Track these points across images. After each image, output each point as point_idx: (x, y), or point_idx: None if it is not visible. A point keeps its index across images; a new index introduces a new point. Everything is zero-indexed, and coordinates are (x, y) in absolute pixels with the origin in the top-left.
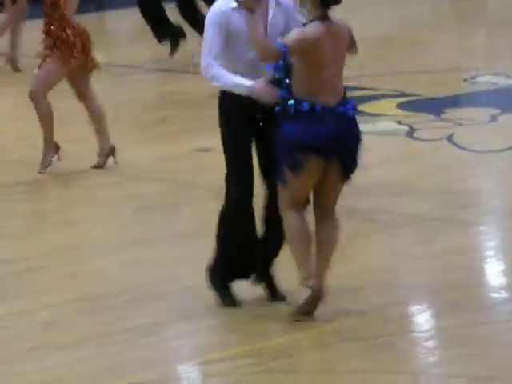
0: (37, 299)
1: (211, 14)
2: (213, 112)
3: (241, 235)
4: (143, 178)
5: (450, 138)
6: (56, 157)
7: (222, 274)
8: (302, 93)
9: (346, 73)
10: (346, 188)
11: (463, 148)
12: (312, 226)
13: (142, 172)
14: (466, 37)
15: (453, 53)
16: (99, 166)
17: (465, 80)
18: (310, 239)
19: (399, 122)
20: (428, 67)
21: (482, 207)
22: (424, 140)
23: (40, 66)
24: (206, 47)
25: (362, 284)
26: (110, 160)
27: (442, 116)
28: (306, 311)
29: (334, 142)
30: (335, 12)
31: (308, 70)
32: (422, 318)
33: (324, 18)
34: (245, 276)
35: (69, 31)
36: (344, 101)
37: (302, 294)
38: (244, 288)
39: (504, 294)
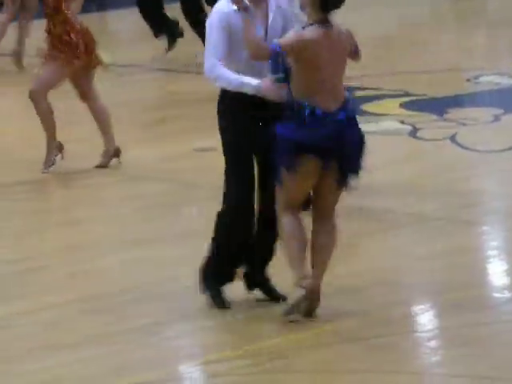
0: (38, 299)
1: (214, 16)
2: (214, 112)
3: (240, 236)
4: (144, 177)
5: (453, 138)
6: (60, 156)
7: (214, 275)
8: (300, 95)
9: (348, 73)
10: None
11: (466, 148)
12: (310, 228)
13: (143, 172)
14: (467, 37)
15: (453, 53)
16: (102, 165)
17: (468, 80)
18: (305, 241)
19: (402, 122)
20: (429, 67)
21: (484, 207)
22: (427, 140)
23: (42, 66)
24: (210, 48)
25: (365, 284)
26: (114, 160)
27: (445, 116)
28: (301, 311)
29: (332, 143)
30: (337, 12)
31: (305, 72)
32: (425, 318)
33: (324, 22)
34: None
35: (73, 35)
36: (345, 105)
37: (296, 295)
38: (243, 289)
39: (507, 294)
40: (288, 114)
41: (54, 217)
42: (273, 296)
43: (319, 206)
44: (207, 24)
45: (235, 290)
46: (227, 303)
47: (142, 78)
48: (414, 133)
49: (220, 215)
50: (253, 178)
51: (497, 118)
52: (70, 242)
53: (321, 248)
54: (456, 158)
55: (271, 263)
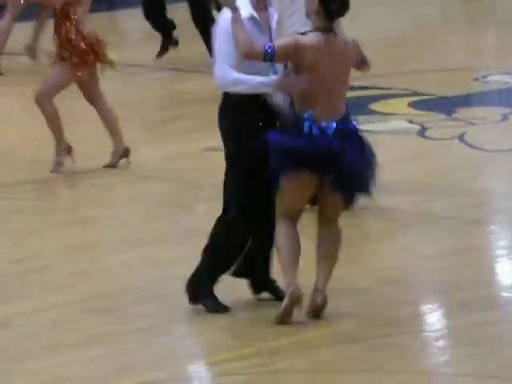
0: (39, 299)
1: (223, 23)
2: None
3: (242, 247)
4: (152, 177)
5: (461, 137)
6: (69, 158)
7: (210, 280)
8: (299, 103)
9: (358, 72)
10: None
11: (474, 147)
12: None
13: (152, 171)
14: (475, 37)
15: (462, 53)
16: (111, 165)
17: (476, 79)
18: (297, 252)
19: (411, 121)
20: (438, 67)
21: (493, 206)
22: (435, 139)
23: (49, 68)
24: (221, 54)
25: (373, 283)
26: (123, 160)
27: (454, 115)
28: (287, 316)
29: (326, 155)
30: (351, 11)
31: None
32: (432, 318)
33: (327, 30)
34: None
35: (80, 39)
36: (344, 120)
37: (284, 300)
38: (244, 290)
39: None
40: (285, 124)
41: (59, 217)
42: (279, 296)
43: (322, 211)
44: (216, 31)
45: (236, 290)
46: (228, 307)
47: (152, 77)
48: (422, 132)
49: (228, 224)
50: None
51: (505, 118)
52: (72, 242)
53: (324, 256)
54: (464, 157)
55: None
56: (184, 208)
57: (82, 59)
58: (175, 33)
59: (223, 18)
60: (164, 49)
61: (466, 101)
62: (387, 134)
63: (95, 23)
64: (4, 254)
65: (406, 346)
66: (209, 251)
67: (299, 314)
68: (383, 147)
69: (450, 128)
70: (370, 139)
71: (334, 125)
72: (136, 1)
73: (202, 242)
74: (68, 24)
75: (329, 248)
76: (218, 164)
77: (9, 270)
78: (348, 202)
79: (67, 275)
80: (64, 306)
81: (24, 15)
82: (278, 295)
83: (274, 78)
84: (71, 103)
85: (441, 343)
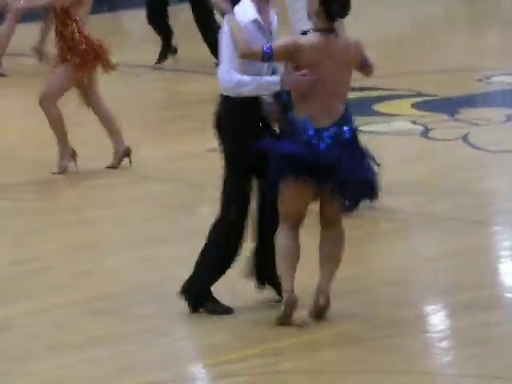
0: (41, 300)
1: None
2: None
3: (240, 247)
4: (154, 177)
5: (464, 138)
6: (73, 163)
7: (210, 281)
8: (297, 103)
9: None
10: None
11: (478, 148)
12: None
13: (153, 172)
14: (479, 38)
15: (466, 53)
16: (113, 166)
17: (480, 80)
18: (296, 257)
19: (414, 122)
20: (441, 67)
21: (496, 207)
22: (439, 140)
23: (52, 70)
24: (226, 57)
25: (376, 284)
26: (125, 160)
27: (457, 116)
28: (285, 320)
29: (325, 166)
30: (352, 11)
31: None
32: (436, 318)
33: (328, 30)
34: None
35: (81, 40)
36: (342, 121)
37: (281, 305)
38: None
39: None
40: (284, 128)
41: (60, 217)
42: (279, 290)
43: (324, 215)
44: (223, 32)
45: (239, 292)
46: (230, 308)
47: (155, 77)
48: (425, 133)
49: (223, 226)
50: (251, 189)
51: (509, 118)
52: (73, 242)
53: (327, 258)
54: (468, 158)
55: None
56: (185, 209)
57: (83, 59)
58: (174, 40)
59: (227, 19)
60: (163, 56)
61: (470, 102)
62: (390, 134)
63: (98, 24)
64: (6, 254)
65: (409, 347)
66: (208, 252)
67: (302, 315)
68: (386, 148)
69: (454, 129)
70: (374, 140)
71: (332, 131)
72: (138, 2)
73: (203, 242)
74: (70, 25)
75: (331, 250)
76: (219, 165)
77: (10, 271)
78: (349, 208)
79: (69, 276)
80: (66, 307)
81: (27, 16)
82: (278, 290)
83: (277, 76)
84: (73, 105)
85: (444, 344)
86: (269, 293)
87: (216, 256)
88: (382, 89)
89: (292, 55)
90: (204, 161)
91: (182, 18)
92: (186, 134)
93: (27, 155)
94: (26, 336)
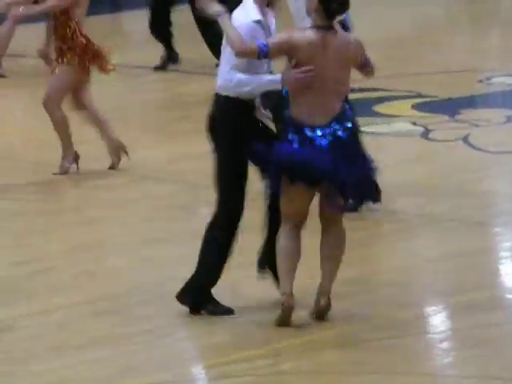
0: (44, 301)
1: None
2: None
3: (233, 247)
4: (155, 178)
5: (465, 139)
6: (75, 166)
7: (209, 282)
8: (293, 100)
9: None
10: None
11: (479, 149)
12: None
13: (155, 172)
14: (480, 38)
15: (466, 54)
16: (113, 166)
17: (480, 81)
18: (296, 258)
19: (414, 123)
20: (442, 68)
21: (497, 208)
22: (439, 141)
23: (53, 72)
24: (226, 57)
25: (376, 285)
26: (124, 158)
27: (457, 117)
28: (284, 322)
29: (321, 169)
30: (352, 11)
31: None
32: (436, 319)
33: (326, 28)
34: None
35: (80, 41)
36: (339, 119)
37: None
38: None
39: None
40: (283, 130)
41: (63, 218)
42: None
43: (323, 213)
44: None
45: (239, 292)
46: (232, 309)
47: (156, 78)
48: (426, 134)
49: (219, 225)
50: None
51: (509, 119)
52: (76, 242)
53: (328, 259)
54: (468, 159)
55: None
56: (185, 209)
57: (82, 60)
58: (174, 43)
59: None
60: (164, 64)
61: (470, 102)
62: (391, 135)
63: (98, 25)
64: (8, 255)
65: (410, 348)
66: (208, 252)
67: (302, 315)
68: (387, 149)
69: (454, 130)
70: (374, 141)
71: (328, 130)
72: (139, 2)
73: None
74: (70, 26)
75: (332, 251)
76: None
77: (12, 272)
78: (353, 207)
79: (71, 276)
80: (69, 308)
81: (28, 18)
82: (277, 277)
83: (278, 75)
84: None
85: (445, 345)
86: (269, 293)
87: (217, 256)
88: (382, 90)
89: (287, 52)
90: (204, 161)
91: (181, 19)
92: (186, 135)
93: (27, 155)
94: (28, 337)
